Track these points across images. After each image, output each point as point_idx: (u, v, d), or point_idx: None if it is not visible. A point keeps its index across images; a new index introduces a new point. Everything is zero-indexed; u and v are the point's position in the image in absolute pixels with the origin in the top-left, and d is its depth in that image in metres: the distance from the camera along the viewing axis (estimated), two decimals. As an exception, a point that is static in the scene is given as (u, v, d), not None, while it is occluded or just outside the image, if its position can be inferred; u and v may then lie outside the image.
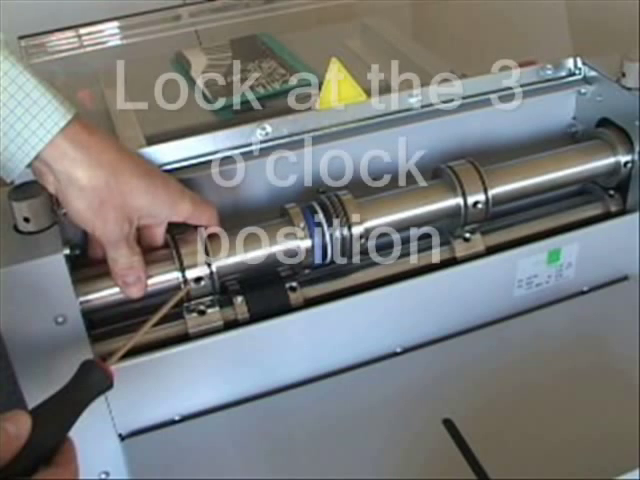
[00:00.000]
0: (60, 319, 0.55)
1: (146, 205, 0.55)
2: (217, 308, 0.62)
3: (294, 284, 0.65)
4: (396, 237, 0.67)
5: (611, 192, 0.74)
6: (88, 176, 0.51)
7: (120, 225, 0.54)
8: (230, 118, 0.75)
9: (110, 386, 0.49)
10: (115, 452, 0.62)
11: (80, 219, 0.53)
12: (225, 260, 0.60)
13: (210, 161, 0.65)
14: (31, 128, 0.48)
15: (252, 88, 0.79)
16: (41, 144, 0.49)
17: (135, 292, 0.57)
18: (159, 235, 0.59)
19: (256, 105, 0.77)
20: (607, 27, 0.87)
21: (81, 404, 0.47)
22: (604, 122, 0.73)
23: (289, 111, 0.68)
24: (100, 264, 0.57)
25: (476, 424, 0.61)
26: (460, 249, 0.69)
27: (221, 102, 0.77)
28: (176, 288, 0.59)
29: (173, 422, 0.64)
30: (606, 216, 0.73)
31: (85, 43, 0.92)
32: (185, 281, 0.59)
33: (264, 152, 0.67)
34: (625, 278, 0.76)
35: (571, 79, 0.75)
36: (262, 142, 0.67)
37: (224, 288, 0.63)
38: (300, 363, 0.66)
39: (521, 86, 0.74)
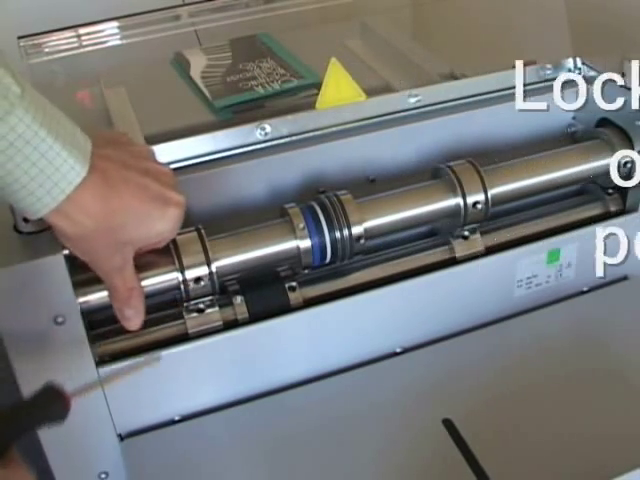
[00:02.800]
0: (60, 319, 0.55)
1: (137, 237, 0.54)
2: (217, 308, 0.62)
3: (294, 284, 0.65)
4: (396, 237, 0.67)
5: (611, 192, 0.74)
6: (73, 227, 0.50)
7: (111, 259, 0.53)
8: (230, 118, 0.75)
9: (63, 420, 0.47)
10: (114, 452, 0.62)
11: (82, 257, 0.53)
12: (225, 260, 0.60)
13: (210, 161, 0.65)
14: (45, 188, 0.47)
15: (252, 88, 0.79)
16: (54, 203, 0.48)
17: (132, 326, 0.57)
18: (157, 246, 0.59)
19: (256, 105, 0.77)
20: (607, 27, 0.87)
21: (27, 429, 0.46)
22: (604, 122, 0.73)
23: (289, 111, 0.68)
24: None
25: (476, 424, 0.61)
26: (460, 249, 0.69)
27: (221, 102, 0.76)
28: (175, 288, 0.59)
29: (173, 422, 0.64)
30: (606, 216, 0.73)
31: (84, 43, 0.92)
32: (185, 279, 0.59)
33: (264, 152, 0.67)
34: (625, 278, 0.76)
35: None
36: (262, 142, 0.67)
37: (224, 288, 0.63)
38: (300, 363, 0.66)
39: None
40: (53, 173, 0.47)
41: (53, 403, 0.47)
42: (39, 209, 0.48)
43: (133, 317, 0.56)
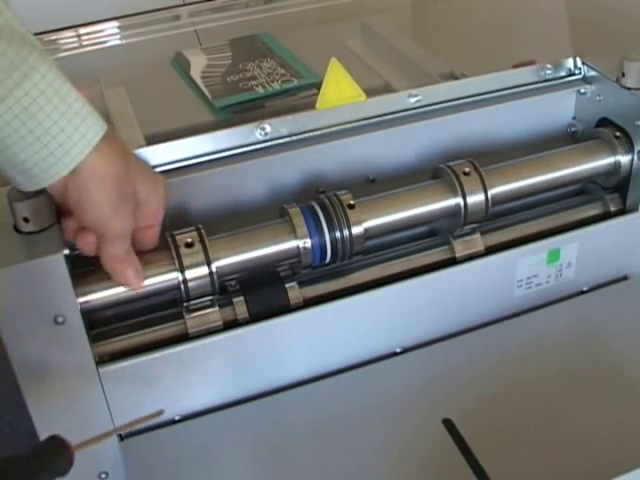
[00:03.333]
0: (60, 319, 0.55)
1: (148, 196, 0.56)
2: (217, 308, 0.62)
3: (294, 284, 0.65)
4: (396, 237, 0.67)
5: (610, 192, 0.74)
6: (112, 166, 0.51)
7: (131, 217, 0.54)
8: (230, 118, 0.75)
9: (66, 473, 0.47)
10: (114, 452, 0.62)
11: (97, 213, 0.52)
12: (225, 260, 0.60)
13: (210, 161, 0.65)
14: (73, 140, 0.48)
15: (252, 88, 0.79)
16: (81, 156, 0.49)
17: (137, 282, 0.57)
18: (153, 235, 0.59)
19: (256, 105, 0.77)
20: (607, 27, 0.87)
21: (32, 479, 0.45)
22: (604, 122, 0.73)
23: (289, 111, 0.68)
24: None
25: (476, 424, 0.61)
26: (460, 249, 0.69)
27: (221, 102, 0.77)
28: (175, 288, 0.59)
29: (173, 422, 0.64)
30: (606, 216, 0.73)
31: (84, 43, 0.92)
32: (185, 278, 0.59)
33: (264, 152, 0.67)
34: (625, 278, 0.76)
35: (571, 79, 0.75)
36: (262, 142, 0.67)
37: (224, 288, 0.63)
38: (300, 363, 0.66)
39: (521, 86, 0.74)
40: (81, 124, 0.48)
41: (57, 456, 0.46)
42: (73, 157, 0.48)
43: (134, 275, 0.57)
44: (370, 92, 0.70)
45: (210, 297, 0.61)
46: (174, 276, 0.59)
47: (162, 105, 0.78)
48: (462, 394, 0.64)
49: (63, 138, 0.48)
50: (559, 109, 0.76)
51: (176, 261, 0.59)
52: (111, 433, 0.55)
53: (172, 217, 0.61)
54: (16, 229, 0.57)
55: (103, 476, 0.63)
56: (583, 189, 0.76)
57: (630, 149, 0.70)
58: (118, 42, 0.94)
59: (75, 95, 0.48)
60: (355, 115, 0.69)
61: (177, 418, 0.64)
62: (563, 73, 0.75)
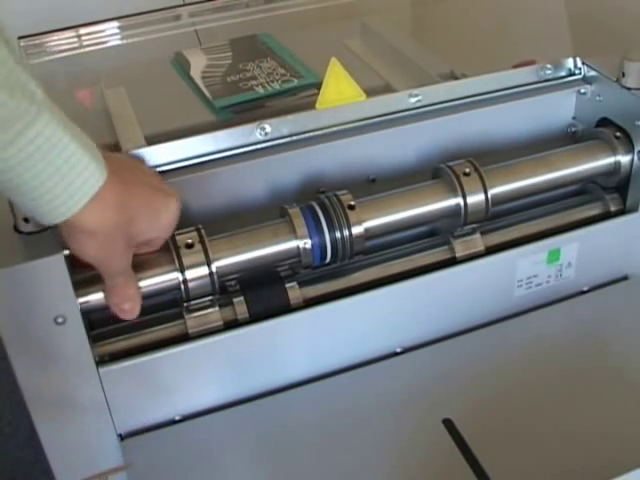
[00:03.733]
0: (60, 319, 0.55)
1: (146, 229, 0.55)
2: (217, 308, 0.62)
3: (294, 284, 0.65)
4: (396, 237, 0.67)
5: (611, 192, 0.74)
6: (100, 221, 0.50)
7: (126, 257, 0.54)
8: (230, 118, 0.75)
9: None
10: (115, 452, 0.62)
11: (87, 258, 0.53)
12: (225, 260, 0.60)
13: (210, 161, 0.65)
14: (69, 192, 0.48)
15: (252, 88, 0.79)
16: (77, 207, 0.48)
17: (130, 316, 0.57)
18: (157, 246, 0.59)
19: (256, 105, 0.77)
20: (607, 27, 0.87)
21: None
22: (604, 122, 0.73)
23: (289, 111, 0.68)
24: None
25: (476, 424, 0.61)
26: (460, 249, 0.69)
27: (221, 102, 0.77)
28: (176, 288, 0.59)
29: (173, 422, 0.64)
30: (606, 216, 0.73)
31: (85, 43, 0.92)
32: (185, 279, 0.59)
33: (264, 152, 0.67)
34: (625, 278, 0.76)
35: (571, 79, 0.75)
36: (262, 142, 0.67)
37: (224, 288, 0.63)
38: (300, 363, 0.66)
39: (521, 86, 0.74)
40: (76, 179, 0.47)
41: None
42: (63, 212, 0.48)
43: (131, 309, 0.57)
44: (370, 92, 0.70)
45: (210, 297, 0.61)
46: (174, 276, 0.59)
47: (162, 105, 0.78)
48: (462, 394, 0.64)
49: (59, 190, 0.47)
50: (559, 109, 0.76)
51: (176, 261, 0.59)
52: None
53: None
54: (16, 229, 0.57)
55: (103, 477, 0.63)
56: (583, 189, 0.76)
57: (630, 149, 0.70)
58: (118, 42, 0.94)
59: (75, 145, 0.47)
60: (355, 115, 0.69)
61: (177, 418, 0.64)
62: (563, 73, 0.75)
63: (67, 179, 0.47)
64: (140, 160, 0.63)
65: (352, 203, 0.63)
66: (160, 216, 0.56)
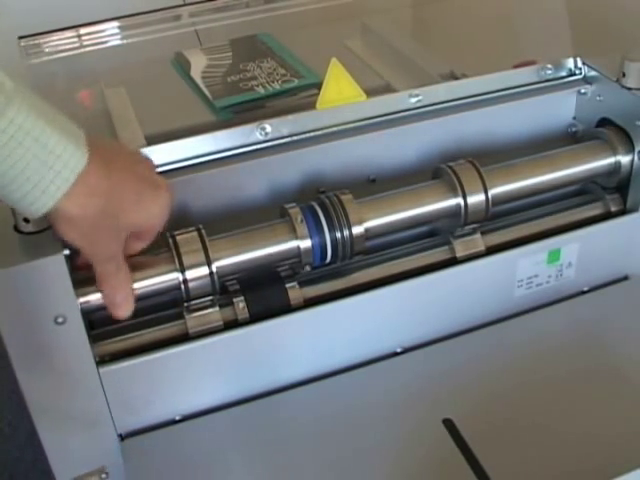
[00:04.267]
0: (60, 319, 0.55)
1: (135, 219, 0.54)
2: (217, 308, 0.62)
3: (294, 284, 0.65)
4: (396, 237, 0.67)
5: (611, 192, 0.74)
6: (82, 209, 0.49)
7: (110, 245, 0.53)
8: (230, 118, 0.75)
9: None
10: (115, 452, 0.62)
11: (73, 244, 0.52)
12: (225, 260, 0.60)
13: (210, 161, 0.65)
14: (49, 178, 0.47)
15: (252, 88, 0.79)
16: (59, 193, 0.47)
17: (122, 313, 0.56)
18: (139, 247, 0.58)
19: (256, 105, 0.77)
20: (607, 27, 0.87)
21: None
22: (604, 122, 0.73)
23: (289, 111, 0.68)
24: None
25: (476, 424, 0.61)
26: (460, 249, 0.69)
27: (221, 102, 0.77)
28: (176, 288, 0.59)
29: (173, 422, 0.64)
30: (606, 216, 0.73)
31: (85, 43, 0.92)
32: (185, 279, 0.59)
33: (264, 152, 0.67)
34: (625, 278, 0.76)
35: (571, 79, 0.75)
36: (262, 142, 0.67)
37: (224, 288, 0.63)
38: (300, 363, 0.66)
39: (521, 86, 0.74)
40: (55, 162, 0.47)
41: None
42: (45, 202, 0.47)
43: (123, 303, 0.56)
44: (370, 92, 0.70)
45: (210, 297, 0.61)
46: (174, 276, 0.59)
47: (162, 105, 0.78)
48: (462, 394, 0.64)
49: (37, 179, 0.46)
50: (559, 109, 0.76)
51: (176, 261, 0.59)
52: None
53: (172, 218, 0.61)
54: (17, 229, 0.57)
55: (103, 476, 0.63)
56: (583, 189, 0.76)
57: (630, 149, 0.70)
58: (118, 42, 0.94)
59: (49, 131, 0.46)
60: (355, 115, 0.69)
61: (177, 418, 0.64)
62: (563, 73, 0.75)
63: (47, 164, 0.46)
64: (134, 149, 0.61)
65: (352, 203, 0.63)
66: (147, 208, 0.54)
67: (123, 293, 0.56)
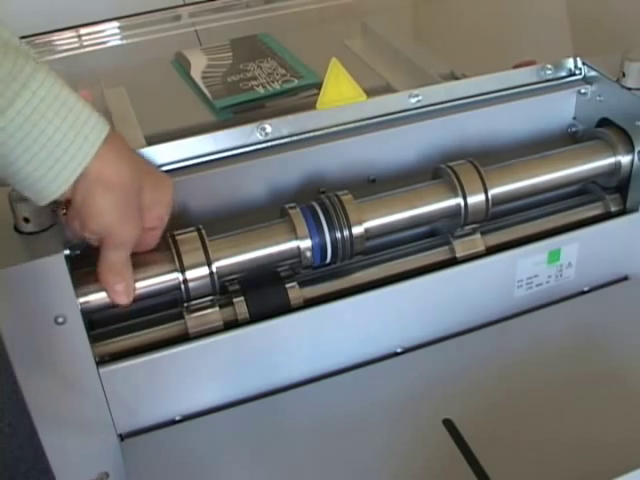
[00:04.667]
0: (60, 319, 0.55)
1: (152, 202, 0.55)
2: (217, 308, 0.62)
3: (294, 284, 0.65)
4: (396, 237, 0.67)
5: (611, 192, 0.74)
6: (118, 173, 0.51)
7: (137, 225, 0.54)
8: (230, 118, 0.75)
9: None
10: (115, 452, 0.62)
11: (102, 221, 0.52)
12: (225, 260, 0.60)
13: (210, 161, 0.65)
14: (77, 143, 0.48)
15: (252, 88, 0.79)
16: (87, 158, 0.48)
17: (123, 300, 0.57)
18: (154, 238, 0.59)
19: (256, 105, 0.77)
20: (607, 27, 0.87)
21: None
22: (604, 122, 0.73)
23: (289, 111, 0.68)
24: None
25: (476, 424, 0.61)
26: (460, 249, 0.69)
27: (221, 102, 0.77)
28: (176, 288, 0.59)
29: (173, 422, 0.64)
30: (606, 216, 0.73)
31: (85, 43, 0.92)
32: (185, 279, 0.59)
33: (264, 152, 0.67)
34: (625, 278, 0.76)
35: (571, 79, 0.75)
36: (262, 142, 0.67)
37: (224, 288, 0.63)
38: (300, 363, 0.66)
39: (521, 86, 0.74)
40: (82, 127, 0.48)
41: None
42: (79, 162, 0.48)
43: (124, 291, 0.56)
44: (370, 92, 0.70)
45: (210, 297, 0.61)
46: (174, 276, 0.59)
47: (162, 105, 0.78)
48: (463, 394, 0.64)
49: (67, 143, 0.47)
50: (559, 109, 0.76)
51: (176, 261, 0.59)
52: None
53: (172, 217, 0.61)
54: (17, 229, 0.57)
55: (104, 476, 0.63)
56: (583, 189, 0.76)
57: (630, 149, 0.70)
58: (119, 42, 0.94)
59: (75, 98, 0.48)
60: (355, 115, 0.69)
61: (177, 418, 0.64)
62: (563, 73, 0.75)
63: (76, 126, 0.48)
64: None
65: (352, 203, 0.63)
66: (163, 191, 0.56)
67: (125, 282, 0.56)
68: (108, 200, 0.51)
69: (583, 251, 0.72)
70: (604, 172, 0.72)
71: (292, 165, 0.67)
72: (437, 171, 0.68)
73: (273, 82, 0.80)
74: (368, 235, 0.63)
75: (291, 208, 0.62)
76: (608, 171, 0.72)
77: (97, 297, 0.58)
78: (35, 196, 0.50)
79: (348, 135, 0.68)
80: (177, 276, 0.59)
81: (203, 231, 0.60)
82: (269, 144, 0.67)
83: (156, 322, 0.63)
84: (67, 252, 0.54)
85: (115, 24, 0.94)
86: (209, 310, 0.62)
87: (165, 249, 0.59)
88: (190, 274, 0.59)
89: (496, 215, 0.69)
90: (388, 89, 0.78)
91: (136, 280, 0.58)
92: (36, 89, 0.46)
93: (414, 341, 0.69)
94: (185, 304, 0.61)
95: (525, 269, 0.70)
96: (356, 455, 0.60)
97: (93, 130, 0.49)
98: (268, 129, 0.67)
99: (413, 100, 0.71)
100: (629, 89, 0.70)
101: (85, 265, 0.58)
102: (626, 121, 0.71)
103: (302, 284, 0.65)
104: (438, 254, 0.69)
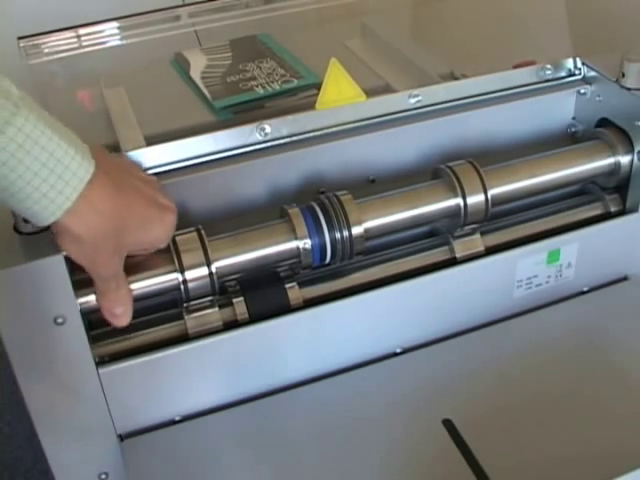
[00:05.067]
0: (60, 319, 0.55)
1: (136, 241, 0.55)
2: (217, 308, 0.62)
3: (294, 284, 0.65)
4: (396, 237, 0.67)
5: (610, 192, 0.74)
6: (87, 227, 0.49)
7: (113, 264, 0.54)
8: (230, 118, 0.75)
9: None
10: (115, 453, 0.62)
11: (75, 261, 0.52)
12: (225, 260, 0.60)
13: (210, 161, 0.65)
14: (57, 188, 0.47)
15: (252, 88, 0.79)
16: (68, 203, 0.47)
17: (122, 322, 0.57)
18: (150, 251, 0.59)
19: (256, 105, 0.77)
20: (607, 27, 0.87)
21: None
22: (604, 122, 0.73)
23: (289, 111, 0.68)
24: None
25: (476, 424, 0.61)
26: (460, 249, 0.69)
27: (221, 102, 0.76)
28: (175, 289, 0.59)
29: (173, 422, 0.64)
30: (606, 216, 0.73)
31: (84, 43, 0.92)
32: (185, 279, 0.59)
33: (264, 152, 0.67)
34: (625, 278, 0.76)
35: (571, 79, 0.75)
36: (262, 142, 0.67)
37: (224, 288, 0.63)
38: (300, 363, 0.66)
39: (521, 86, 0.74)
40: (63, 172, 0.47)
41: None
42: (53, 212, 0.47)
43: (122, 315, 0.56)
44: (370, 92, 0.70)
45: (210, 297, 0.61)
46: (174, 277, 0.59)
47: (162, 105, 0.78)
48: (462, 395, 0.64)
49: (46, 188, 0.46)
50: (559, 109, 0.76)
51: (176, 262, 0.59)
52: None
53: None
54: (16, 230, 0.57)
55: (103, 477, 0.63)
56: (583, 189, 0.76)
57: (630, 149, 0.70)
58: (118, 42, 0.93)
59: (57, 140, 0.46)
60: (355, 115, 0.69)
61: (177, 418, 0.64)
62: (563, 73, 0.75)
63: (55, 173, 0.46)
64: (139, 166, 0.62)
65: (352, 203, 0.63)
66: (152, 230, 0.55)
67: (122, 307, 0.56)
68: (77, 251, 0.51)
69: (583, 251, 0.72)
70: (604, 172, 0.72)
71: (292, 165, 0.67)
72: (437, 171, 0.68)
73: (272, 82, 0.80)
74: (368, 235, 0.63)
75: (291, 208, 0.62)
76: (608, 171, 0.72)
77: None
78: (33, 218, 0.49)
79: (348, 135, 0.68)
80: (177, 276, 0.59)
81: (202, 231, 0.60)
82: (269, 144, 0.67)
83: (156, 322, 0.63)
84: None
85: (115, 24, 0.94)
86: (209, 310, 0.62)
87: (165, 250, 0.59)
88: (190, 274, 0.59)
89: (496, 215, 0.69)
90: (388, 89, 0.77)
91: (136, 280, 0.58)
92: (13, 135, 0.44)
93: (414, 341, 0.69)
94: (185, 304, 0.61)
95: (525, 269, 0.70)
96: (356, 455, 0.60)
97: (75, 174, 0.47)
98: (267, 129, 0.67)
99: (413, 100, 0.70)
100: (629, 89, 0.70)
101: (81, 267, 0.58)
102: (626, 121, 0.71)
103: (302, 284, 0.65)
104: (438, 254, 0.69)
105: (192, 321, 0.62)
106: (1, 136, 0.44)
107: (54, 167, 0.46)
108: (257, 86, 0.79)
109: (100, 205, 0.49)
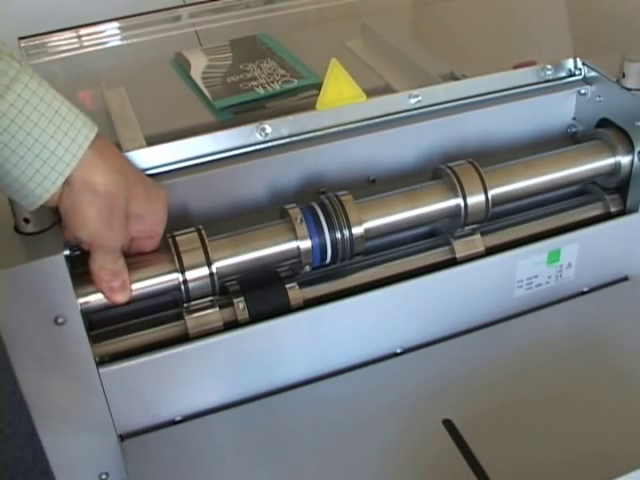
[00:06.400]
0: (60, 319, 0.55)
1: (143, 212, 0.55)
2: (217, 309, 0.62)
3: (294, 285, 0.65)
4: (396, 238, 0.67)
5: (611, 192, 0.74)
6: (104, 181, 0.51)
7: (123, 232, 0.54)
8: (230, 119, 0.75)
9: None
10: (115, 453, 0.62)
11: (87, 228, 0.52)
12: (225, 260, 0.60)
13: (210, 161, 0.65)
14: (64, 145, 0.48)
15: (252, 89, 0.79)
16: (75, 160, 0.48)
17: (121, 298, 0.57)
18: (152, 246, 0.59)
19: (256, 106, 0.77)
20: (607, 27, 0.87)
21: None
22: (604, 122, 0.73)
23: (289, 111, 0.68)
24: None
25: (476, 425, 0.61)
26: (460, 249, 0.69)
27: (221, 103, 0.77)
28: (176, 289, 0.59)
29: (173, 422, 0.64)
30: (606, 216, 0.73)
31: (85, 44, 0.92)
32: (185, 279, 0.59)
33: (264, 153, 0.67)
34: (625, 278, 0.76)
35: (571, 79, 0.75)
36: (262, 143, 0.67)
37: (224, 288, 0.63)
38: (300, 364, 0.66)
39: (521, 86, 0.74)
40: (69, 129, 0.48)
41: None
42: (68, 162, 0.48)
43: (120, 288, 0.57)
44: (370, 93, 0.70)
45: (210, 298, 0.61)
46: (174, 277, 0.59)
47: (162, 106, 0.78)
48: (462, 394, 0.64)
49: (54, 145, 0.47)
50: (559, 110, 0.76)
51: (176, 262, 0.59)
52: None
53: (172, 217, 0.61)
54: (17, 230, 0.57)
55: (104, 477, 0.63)
56: (583, 190, 0.76)
57: (630, 150, 0.70)
58: (119, 43, 0.93)
59: (60, 100, 0.48)
60: (355, 116, 0.69)
61: (177, 418, 0.64)
62: (563, 74, 0.75)
63: (63, 127, 0.47)
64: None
65: (352, 204, 0.63)
66: (153, 202, 0.56)
67: (120, 279, 0.56)
68: (93, 207, 0.51)
69: (583, 251, 0.72)
70: (604, 172, 0.72)
71: (292, 165, 0.67)
72: (437, 171, 0.68)
73: (273, 82, 0.80)
74: (368, 235, 0.64)
75: (291, 208, 0.62)
76: (608, 171, 0.72)
77: (97, 297, 0.58)
78: (22, 201, 0.50)
79: (348, 135, 0.68)
80: (177, 276, 0.59)
81: (203, 231, 0.60)
82: (269, 144, 0.67)
83: (156, 323, 0.63)
84: (67, 252, 0.54)
85: (115, 24, 0.94)
86: (209, 310, 0.62)
87: (165, 249, 0.59)
88: (190, 274, 0.59)
89: (496, 215, 0.69)
90: (388, 89, 0.77)
91: (136, 281, 0.58)
92: (20, 91, 0.46)
93: (414, 341, 0.69)
94: (185, 305, 0.61)
95: (525, 269, 0.70)
96: (356, 455, 0.60)
97: (80, 131, 0.49)
98: (268, 129, 0.67)
99: (413, 100, 0.71)
100: (629, 89, 0.70)
101: (85, 265, 0.58)
102: (626, 121, 0.71)
103: (302, 284, 0.65)
104: (438, 254, 0.69)
105: (192, 321, 0.62)
106: (10, 92, 0.45)
107: (60, 123, 0.48)
108: (257, 86, 0.79)
109: (110, 155, 0.51)
